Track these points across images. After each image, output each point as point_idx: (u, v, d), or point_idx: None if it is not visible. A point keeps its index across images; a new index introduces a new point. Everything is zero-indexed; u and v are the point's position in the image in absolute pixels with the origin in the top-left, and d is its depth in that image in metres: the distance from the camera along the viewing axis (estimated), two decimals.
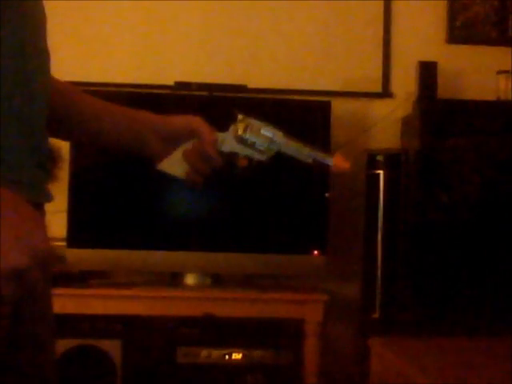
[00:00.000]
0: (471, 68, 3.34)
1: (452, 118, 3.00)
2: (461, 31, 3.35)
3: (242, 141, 1.09)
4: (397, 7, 3.34)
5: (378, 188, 2.96)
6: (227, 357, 2.86)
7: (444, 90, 3.17)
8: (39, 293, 0.93)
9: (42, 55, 1.01)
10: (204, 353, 2.86)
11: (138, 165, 3.26)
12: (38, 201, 1.00)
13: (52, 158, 2.74)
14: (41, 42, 1.01)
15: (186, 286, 2.97)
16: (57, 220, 2.60)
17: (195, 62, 3.28)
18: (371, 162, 2.98)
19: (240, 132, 1.09)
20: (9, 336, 0.91)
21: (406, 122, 3.21)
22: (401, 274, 2.96)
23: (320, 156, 1.10)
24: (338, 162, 1.11)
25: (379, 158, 2.98)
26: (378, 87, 3.33)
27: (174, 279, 3.03)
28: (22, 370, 0.97)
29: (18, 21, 0.93)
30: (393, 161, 2.99)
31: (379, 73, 3.33)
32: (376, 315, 2.93)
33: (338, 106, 3.18)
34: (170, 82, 3.13)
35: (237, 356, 2.87)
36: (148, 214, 3.02)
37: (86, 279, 2.92)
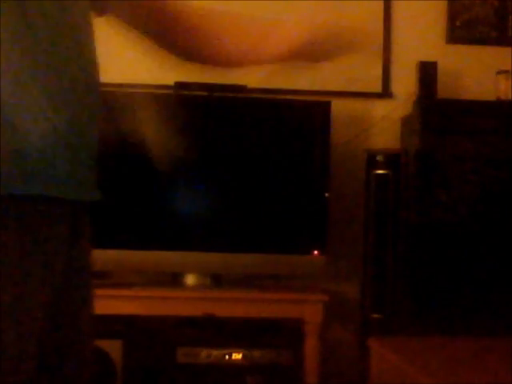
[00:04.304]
0: (471, 68, 3.34)
1: (452, 118, 3.00)
2: (461, 31, 3.35)
3: None
4: (397, 7, 3.34)
5: (378, 188, 2.96)
6: (227, 357, 2.86)
7: (444, 90, 3.17)
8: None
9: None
10: (204, 353, 2.85)
11: (138, 165, 3.24)
12: (83, 198, 1.03)
13: None
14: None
15: (186, 286, 2.97)
16: None
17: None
18: (371, 161, 2.98)
19: None
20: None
21: (405, 122, 3.21)
22: (401, 273, 2.96)
23: None
24: None
25: (379, 158, 2.98)
26: (378, 87, 3.33)
27: (174, 279, 3.03)
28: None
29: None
30: (393, 161, 2.99)
31: (379, 73, 3.33)
32: (376, 315, 2.93)
33: (338, 106, 3.18)
34: (170, 82, 3.13)
35: (237, 356, 2.86)
36: (148, 214, 3.02)
37: None
